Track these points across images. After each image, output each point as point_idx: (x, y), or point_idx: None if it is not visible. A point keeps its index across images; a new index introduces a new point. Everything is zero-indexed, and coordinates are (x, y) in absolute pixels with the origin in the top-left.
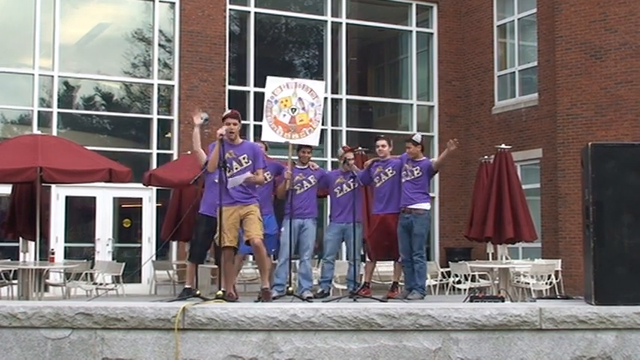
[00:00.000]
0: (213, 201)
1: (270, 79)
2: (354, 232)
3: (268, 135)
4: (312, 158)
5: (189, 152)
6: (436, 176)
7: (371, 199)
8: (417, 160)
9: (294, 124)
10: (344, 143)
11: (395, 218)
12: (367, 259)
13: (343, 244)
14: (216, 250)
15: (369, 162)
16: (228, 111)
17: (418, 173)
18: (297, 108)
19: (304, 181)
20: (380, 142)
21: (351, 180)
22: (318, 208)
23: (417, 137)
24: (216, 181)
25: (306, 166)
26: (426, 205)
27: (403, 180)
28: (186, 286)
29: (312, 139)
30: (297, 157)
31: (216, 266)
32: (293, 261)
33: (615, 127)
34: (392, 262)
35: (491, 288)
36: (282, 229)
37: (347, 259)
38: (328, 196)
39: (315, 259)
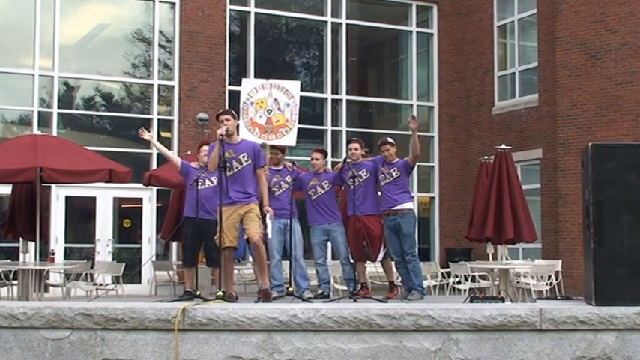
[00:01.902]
0: (194, 203)
1: (245, 81)
2: (339, 233)
3: (245, 137)
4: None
5: (189, 152)
6: (436, 176)
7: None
8: (392, 163)
9: (270, 125)
10: (344, 143)
11: (370, 220)
12: (351, 260)
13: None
14: (206, 251)
15: (340, 165)
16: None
17: (396, 174)
18: (273, 109)
19: (281, 182)
20: (352, 146)
21: (325, 182)
22: (298, 208)
23: (392, 140)
24: (191, 184)
25: (280, 167)
26: (410, 205)
27: (382, 183)
28: (187, 289)
29: (289, 140)
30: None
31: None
32: (285, 261)
33: (615, 128)
34: (380, 263)
35: (491, 288)
36: (268, 230)
37: (339, 259)
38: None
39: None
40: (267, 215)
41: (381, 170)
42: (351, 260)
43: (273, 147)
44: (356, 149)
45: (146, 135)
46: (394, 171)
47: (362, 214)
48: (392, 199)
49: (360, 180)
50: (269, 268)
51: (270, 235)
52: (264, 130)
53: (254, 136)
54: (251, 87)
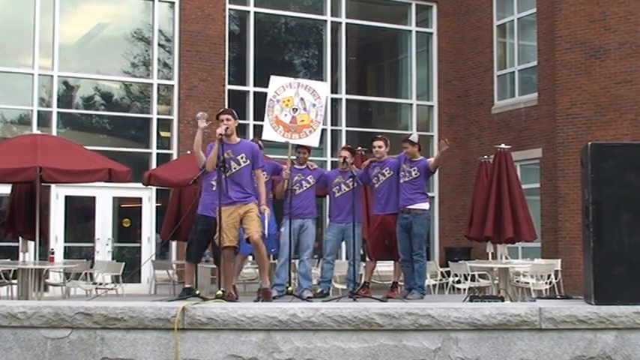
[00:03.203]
0: (210, 201)
1: (273, 79)
2: (354, 232)
3: (269, 134)
4: (311, 158)
5: (188, 152)
6: (435, 176)
7: (371, 199)
8: (415, 161)
9: (294, 124)
10: (343, 143)
11: (394, 218)
12: (367, 259)
13: (343, 243)
14: (214, 250)
15: (367, 162)
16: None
17: (416, 174)
18: (299, 108)
19: (303, 181)
20: (377, 143)
21: (350, 180)
22: (317, 208)
23: (414, 137)
24: (213, 182)
25: (304, 166)
26: (425, 205)
27: (401, 181)
28: (187, 286)
29: (313, 140)
30: (295, 157)
31: (215, 266)
32: (293, 261)
33: (615, 127)
34: (392, 262)
35: (490, 288)
36: (282, 229)
37: (347, 258)
38: (327, 196)
39: (315, 258)
40: (265, 214)
41: (402, 167)
42: (367, 259)
43: (300, 146)
44: (380, 146)
45: (202, 123)
46: (414, 170)
47: (385, 212)
48: (407, 197)
49: (384, 178)
50: (274, 267)
51: (267, 235)
52: (288, 128)
53: (277, 134)
54: (279, 85)
